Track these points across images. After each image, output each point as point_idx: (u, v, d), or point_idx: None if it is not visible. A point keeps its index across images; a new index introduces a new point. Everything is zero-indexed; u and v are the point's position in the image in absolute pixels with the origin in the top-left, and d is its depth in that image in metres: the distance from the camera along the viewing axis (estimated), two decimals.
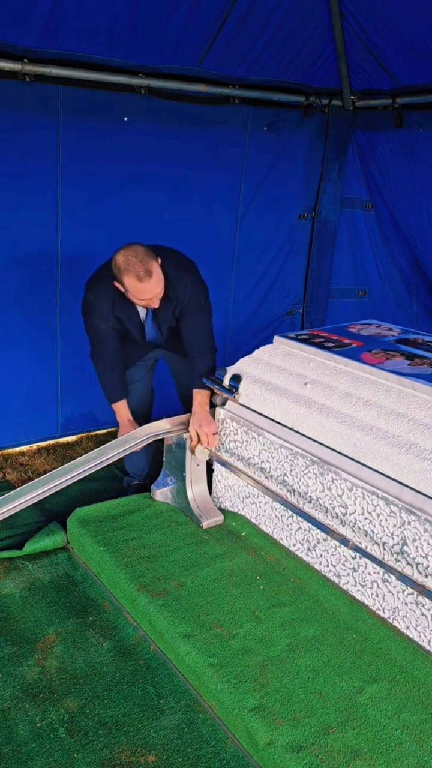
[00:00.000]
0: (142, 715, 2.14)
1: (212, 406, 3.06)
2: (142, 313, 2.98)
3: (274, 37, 3.68)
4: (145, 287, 2.67)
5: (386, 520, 2.30)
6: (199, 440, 2.93)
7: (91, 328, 2.99)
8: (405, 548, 2.25)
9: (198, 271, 2.99)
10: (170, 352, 3.25)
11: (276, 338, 3.01)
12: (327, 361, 2.75)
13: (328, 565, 2.60)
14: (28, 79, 3.28)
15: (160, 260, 2.75)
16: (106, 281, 2.82)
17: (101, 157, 3.67)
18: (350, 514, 2.45)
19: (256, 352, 2.99)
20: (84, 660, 2.35)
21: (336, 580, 2.57)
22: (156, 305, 2.80)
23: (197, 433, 2.93)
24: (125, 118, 3.68)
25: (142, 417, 3.30)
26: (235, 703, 2.06)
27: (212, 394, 3.03)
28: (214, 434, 2.94)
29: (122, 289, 2.75)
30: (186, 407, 3.16)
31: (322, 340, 2.93)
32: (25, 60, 3.22)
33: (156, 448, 3.40)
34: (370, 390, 2.52)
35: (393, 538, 2.29)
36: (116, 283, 2.75)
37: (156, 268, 2.67)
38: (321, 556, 2.62)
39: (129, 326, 3.00)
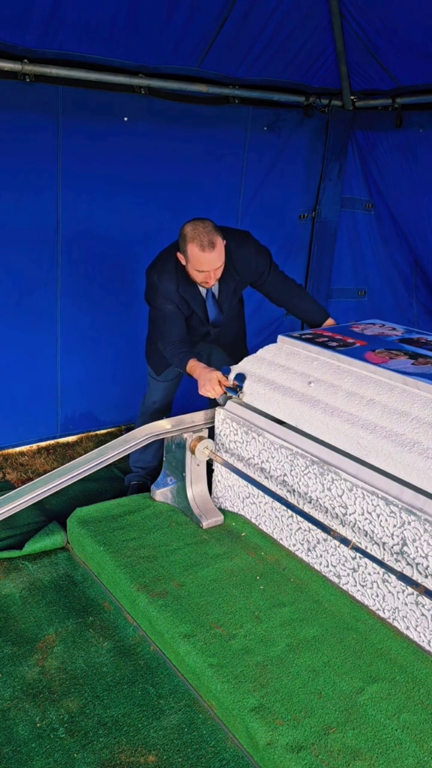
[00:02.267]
0: (142, 715, 2.14)
1: (214, 405, 3.06)
2: (204, 292, 3.04)
3: (274, 37, 3.68)
4: (206, 258, 2.76)
5: (386, 520, 2.30)
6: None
7: (157, 312, 3.05)
8: (405, 548, 2.25)
9: (257, 241, 3.13)
10: (215, 345, 3.35)
11: (280, 337, 3.02)
12: (331, 361, 2.75)
13: (328, 566, 2.59)
14: (28, 80, 3.28)
15: (224, 240, 2.85)
16: (170, 262, 2.92)
17: (101, 158, 3.67)
18: (350, 515, 2.45)
19: (260, 352, 3.00)
20: (84, 660, 2.35)
21: (336, 580, 2.57)
22: (212, 283, 2.89)
23: None
24: (125, 119, 3.68)
25: (162, 414, 3.36)
26: (235, 703, 2.06)
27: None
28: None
29: (183, 262, 2.85)
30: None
31: (326, 339, 2.93)
32: (25, 60, 3.22)
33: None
34: (374, 389, 2.52)
35: (393, 539, 2.29)
36: (179, 254, 2.85)
37: (220, 242, 2.77)
38: (321, 556, 2.62)
39: (193, 305, 3.05)
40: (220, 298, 3.09)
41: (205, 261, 2.78)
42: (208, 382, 2.89)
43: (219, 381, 2.90)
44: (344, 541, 2.39)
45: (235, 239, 2.99)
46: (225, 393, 2.97)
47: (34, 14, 3.03)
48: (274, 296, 3.23)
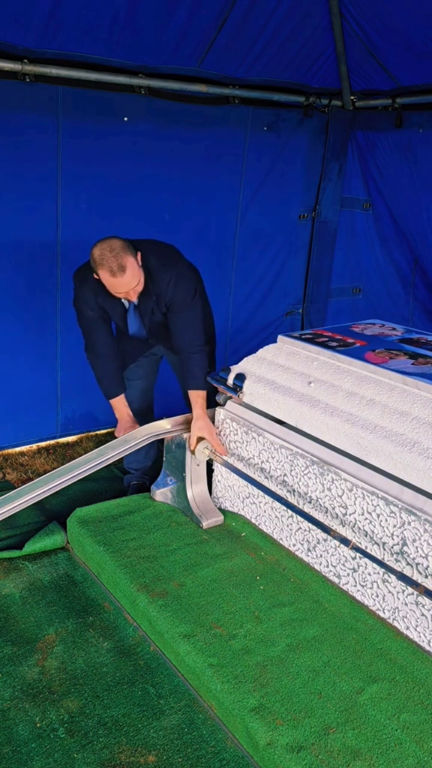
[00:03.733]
0: (142, 715, 2.14)
1: (215, 405, 3.06)
2: (126, 304, 2.96)
3: (275, 38, 3.68)
4: (118, 282, 2.67)
5: (386, 520, 2.30)
6: (197, 442, 2.93)
7: (81, 318, 2.99)
8: (405, 548, 2.25)
9: (186, 266, 2.95)
10: (167, 349, 3.22)
11: (280, 338, 3.02)
12: (331, 361, 2.75)
13: (328, 566, 2.59)
14: (28, 80, 3.28)
15: (139, 254, 2.75)
16: (90, 271, 2.82)
17: (101, 158, 3.67)
18: (350, 515, 2.45)
19: (260, 352, 3.00)
20: (84, 660, 2.35)
21: (336, 580, 2.57)
22: (134, 299, 2.81)
23: (197, 439, 2.94)
24: (125, 119, 3.68)
25: (140, 417, 3.28)
26: (235, 703, 2.06)
27: (216, 392, 3.03)
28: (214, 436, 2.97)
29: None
30: (189, 405, 3.15)
31: (326, 339, 2.93)
32: (25, 60, 3.22)
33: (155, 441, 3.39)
34: (374, 389, 2.52)
35: (393, 539, 2.29)
36: (95, 275, 2.76)
37: (131, 263, 2.66)
38: (321, 556, 2.62)
39: (113, 316, 2.98)
40: (141, 311, 2.95)
41: (117, 284, 2.68)
42: (123, 431, 3.01)
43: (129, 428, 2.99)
44: (344, 541, 2.39)
45: (158, 259, 2.86)
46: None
47: (34, 14, 3.03)
48: (171, 333, 2.99)
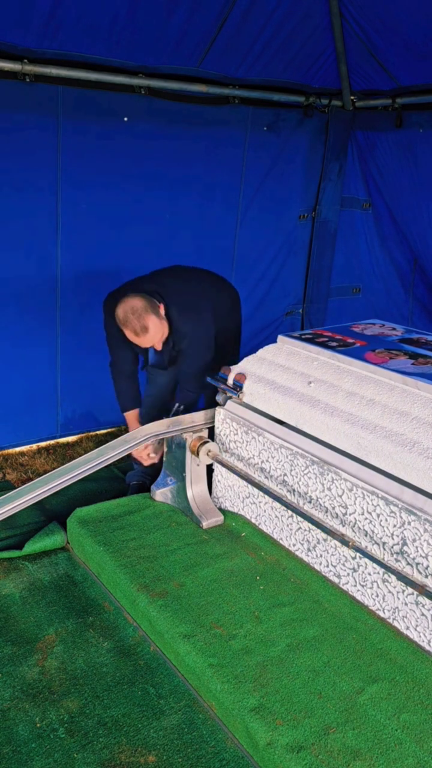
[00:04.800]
0: (142, 715, 2.14)
1: (215, 405, 3.06)
2: None
3: (274, 37, 3.68)
4: (141, 341, 2.90)
5: (386, 520, 2.30)
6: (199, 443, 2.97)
7: (109, 337, 3.17)
8: (405, 548, 2.25)
9: (205, 316, 3.11)
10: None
11: (280, 338, 3.02)
12: (331, 361, 2.75)
13: (328, 565, 2.59)
14: (28, 80, 3.28)
15: (162, 307, 2.92)
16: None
17: (101, 158, 3.67)
18: (350, 514, 2.45)
19: (260, 352, 3.00)
20: (84, 660, 2.35)
21: (336, 580, 2.57)
22: (159, 348, 3.02)
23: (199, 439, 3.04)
24: (125, 119, 3.68)
25: (157, 410, 3.39)
26: (235, 703, 2.06)
27: (216, 392, 3.04)
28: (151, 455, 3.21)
29: None
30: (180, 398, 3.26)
31: (326, 339, 2.93)
32: (25, 60, 3.22)
33: None
34: (374, 389, 2.52)
35: (393, 538, 2.29)
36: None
37: (153, 322, 2.85)
38: (321, 556, 2.62)
39: (135, 348, 3.17)
40: (163, 350, 3.13)
41: (141, 342, 2.91)
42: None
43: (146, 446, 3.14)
44: (344, 541, 2.39)
45: (179, 310, 3.00)
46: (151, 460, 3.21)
47: (34, 14, 3.03)
48: (178, 364, 3.24)
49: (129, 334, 2.89)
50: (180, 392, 3.26)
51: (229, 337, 3.41)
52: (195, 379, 3.17)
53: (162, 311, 2.93)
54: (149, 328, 2.84)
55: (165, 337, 2.99)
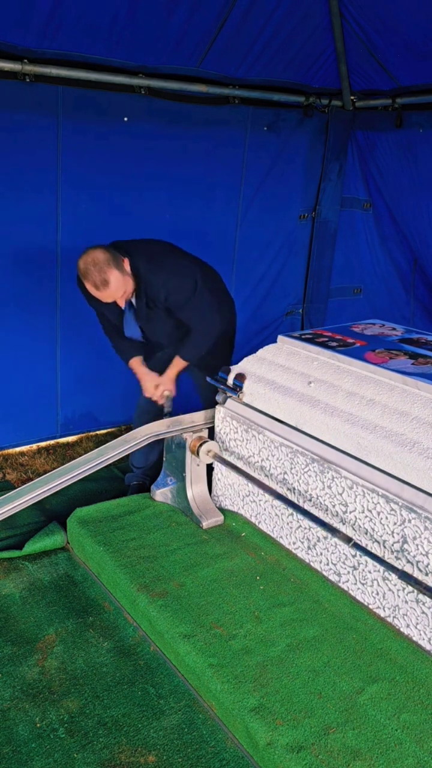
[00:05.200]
0: (142, 715, 2.14)
1: (215, 404, 3.06)
2: (123, 306, 3.00)
3: (274, 38, 3.68)
4: (102, 295, 2.78)
5: (386, 518, 2.30)
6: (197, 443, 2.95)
7: (90, 302, 3.08)
8: (405, 546, 2.25)
9: (180, 264, 2.98)
10: (193, 366, 3.25)
11: (280, 338, 3.01)
12: (331, 361, 2.75)
13: (328, 564, 2.59)
14: (28, 79, 3.28)
15: (126, 260, 2.81)
16: None
17: (101, 158, 3.67)
18: (350, 512, 2.45)
19: (260, 352, 3.00)
20: (84, 660, 2.35)
21: (336, 578, 2.57)
22: (122, 304, 2.89)
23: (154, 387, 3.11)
24: (125, 119, 3.68)
25: (155, 414, 3.33)
26: (235, 703, 2.06)
27: (216, 392, 3.04)
28: (165, 393, 3.14)
29: None
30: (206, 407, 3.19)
31: (326, 339, 2.93)
32: (25, 60, 3.22)
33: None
34: (374, 389, 2.52)
35: (393, 536, 2.29)
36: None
37: (114, 275, 2.73)
38: (321, 554, 2.62)
39: (111, 318, 3.09)
40: (136, 314, 3.02)
41: (102, 296, 2.79)
42: (148, 385, 3.16)
43: (157, 385, 3.13)
44: (345, 539, 2.39)
45: (148, 261, 2.88)
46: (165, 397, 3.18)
47: (34, 14, 3.03)
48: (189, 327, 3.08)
49: (89, 287, 2.76)
50: (183, 341, 3.09)
51: (225, 330, 3.28)
52: (204, 324, 3.00)
53: (126, 266, 2.80)
54: (110, 282, 2.71)
55: (129, 294, 2.85)
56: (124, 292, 2.81)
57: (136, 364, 3.19)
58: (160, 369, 3.20)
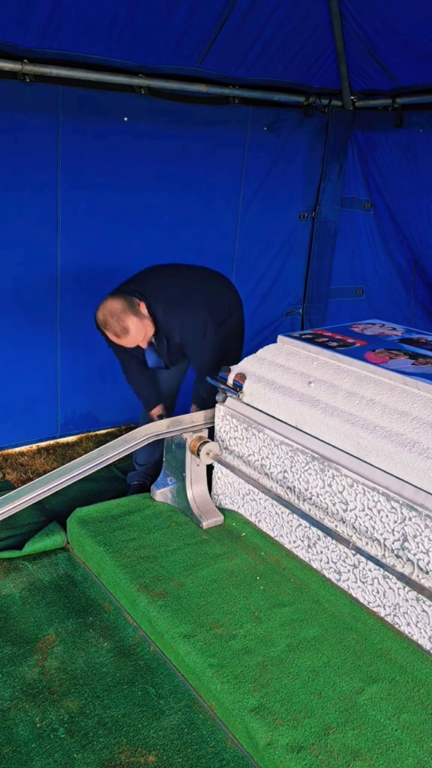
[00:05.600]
0: (142, 715, 2.14)
1: (215, 403, 3.06)
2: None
3: (274, 38, 3.68)
4: (123, 341, 2.86)
5: (387, 516, 2.30)
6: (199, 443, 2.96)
7: (111, 347, 3.14)
8: (406, 544, 2.25)
9: (193, 307, 3.04)
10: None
11: (280, 338, 3.01)
12: (331, 361, 2.75)
13: (328, 562, 2.59)
14: (28, 79, 3.28)
15: (143, 304, 2.87)
16: None
17: (101, 158, 3.67)
18: (351, 511, 2.45)
19: (260, 352, 3.00)
20: (84, 660, 2.35)
21: (336, 576, 2.57)
22: (144, 346, 2.98)
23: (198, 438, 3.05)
24: (125, 119, 3.68)
25: (166, 402, 3.39)
26: (235, 703, 2.06)
27: (216, 392, 3.04)
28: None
29: None
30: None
31: (326, 339, 2.93)
32: (25, 60, 3.22)
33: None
34: (374, 389, 2.52)
35: (394, 534, 2.29)
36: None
37: (133, 322, 2.80)
38: (321, 552, 2.62)
39: (134, 354, 3.14)
40: (157, 350, 3.12)
41: (124, 343, 2.88)
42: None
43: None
44: (345, 542, 2.38)
45: (164, 306, 2.95)
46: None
47: (34, 14, 3.03)
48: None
49: (111, 336, 2.85)
50: (193, 392, 3.24)
51: (232, 332, 3.35)
52: (203, 374, 3.11)
53: (143, 309, 2.87)
54: (129, 329, 2.79)
55: (150, 336, 2.94)
56: (145, 335, 2.89)
57: (157, 414, 3.29)
58: (177, 372, 3.37)
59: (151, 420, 3.28)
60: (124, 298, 2.84)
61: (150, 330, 2.91)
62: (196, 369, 3.20)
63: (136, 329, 2.81)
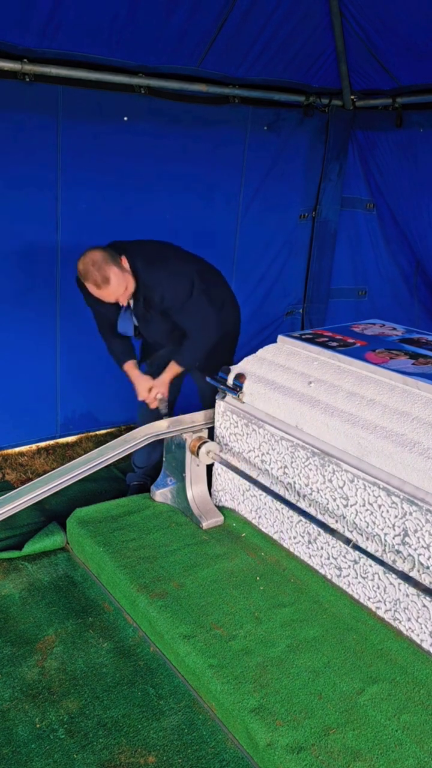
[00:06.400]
0: (142, 716, 2.14)
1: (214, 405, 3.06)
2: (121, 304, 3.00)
3: (275, 37, 3.68)
4: (103, 293, 2.79)
5: (387, 511, 2.30)
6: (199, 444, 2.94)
7: (88, 301, 3.09)
8: (406, 539, 2.25)
9: (179, 264, 2.98)
10: (193, 369, 3.27)
11: (280, 338, 3.01)
12: (331, 361, 2.75)
13: (329, 558, 2.59)
14: (28, 79, 3.27)
15: (124, 258, 2.83)
16: None
17: (101, 157, 3.67)
18: (351, 506, 2.44)
19: (260, 352, 3.00)
20: (84, 661, 2.35)
21: (337, 572, 2.57)
22: (123, 303, 2.90)
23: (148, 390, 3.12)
24: (125, 118, 3.67)
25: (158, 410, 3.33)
26: (235, 704, 2.05)
27: (216, 391, 3.03)
28: (158, 396, 3.14)
29: None
30: (206, 407, 3.19)
31: (326, 339, 2.93)
32: (25, 60, 3.22)
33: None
34: (374, 389, 2.52)
35: (394, 529, 2.29)
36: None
37: (114, 272, 2.75)
38: (322, 548, 2.61)
39: (106, 313, 3.09)
40: (134, 313, 3.04)
41: (104, 295, 2.81)
42: (145, 391, 3.15)
43: (150, 388, 3.13)
44: (345, 541, 2.38)
45: (145, 260, 2.89)
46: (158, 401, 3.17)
47: (34, 14, 3.03)
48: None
49: (91, 288, 2.78)
50: (179, 346, 3.09)
51: (226, 324, 3.25)
52: (193, 341, 3.01)
53: (125, 263, 2.83)
54: (110, 279, 2.73)
55: (130, 292, 2.87)
56: (125, 289, 2.83)
57: (130, 367, 3.21)
58: (159, 365, 3.21)
59: (158, 413, 3.24)
60: (106, 250, 2.81)
61: (131, 285, 2.84)
62: (187, 338, 3.03)
63: (116, 280, 2.76)
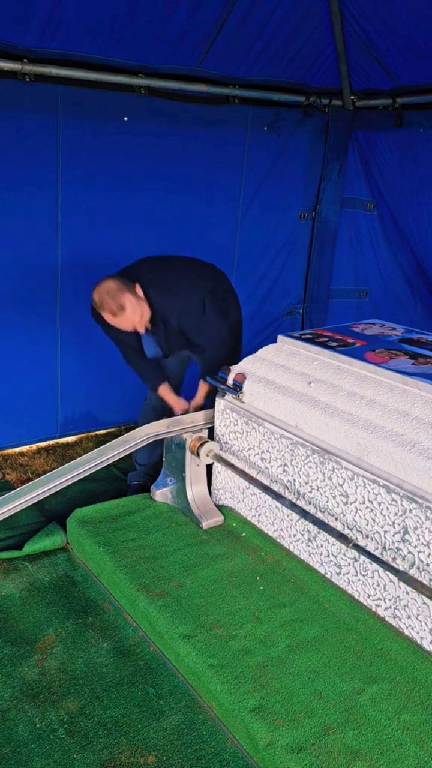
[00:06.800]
0: (142, 715, 2.14)
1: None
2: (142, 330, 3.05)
3: (275, 37, 3.68)
4: (119, 321, 2.85)
5: (387, 508, 2.30)
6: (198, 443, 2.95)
7: (109, 333, 3.13)
8: (407, 537, 2.25)
9: (188, 289, 3.02)
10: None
11: (280, 338, 3.01)
12: (331, 361, 2.75)
13: (328, 555, 2.59)
14: (28, 79, 3.27)
15: (137, 285, 2.87)
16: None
17: (101, 157, 3.67)
18: (351, 503, 2.45)
19: (260, 352, 3.00)
20: (84, 661, 2.35)
21: (337, 570, 2.57)
22: (142, 330, 2.95)
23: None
24: (125, 118, 3.68)
25: (161, 409, 3.36)
26: (235, 703, 2.05)
27: (216, 390, 3.04)
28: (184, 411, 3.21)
29: None
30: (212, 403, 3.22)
31: (326, 339, 2.93)
32: (25, 60, 3.22)
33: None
34: (374, 389, 2.52)
35: (394, 527, 2.29)
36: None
37: (129, 300, 2.80)
38: (321, 546, 2.61)
39: (129, 341, 3.12)
40: (155, 337, 3.10)
41: (121, 323, 2.86)
42: (177, 412, 3.20)
43: (186, 410, 3.20)
44: (345, 541, 2.38)
45: (157, 290, 2.94)
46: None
47: (34, 14, 3.03)
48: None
49: (107, 317, 2.83)
50: (201, 366, 3.21)
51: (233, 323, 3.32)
52: (215, 340, 3.08)
53: (138, 290, 2.87)
54: (126, 307, 2.78)
55: (146, 319, 2.92)
56: (141, 316, 2.88)
57: (165, 392, 3.25)
58: (178, 365, 3.36)
59: (161, 412, 3.26)
60: (119, 279, 2.86)
61: (146, 312, 2.89)
62: (203, 357, 3.16)
63: (132, 308, 2.80)
